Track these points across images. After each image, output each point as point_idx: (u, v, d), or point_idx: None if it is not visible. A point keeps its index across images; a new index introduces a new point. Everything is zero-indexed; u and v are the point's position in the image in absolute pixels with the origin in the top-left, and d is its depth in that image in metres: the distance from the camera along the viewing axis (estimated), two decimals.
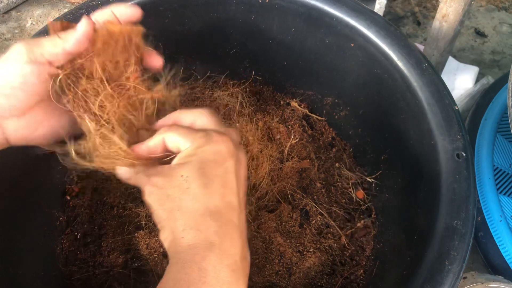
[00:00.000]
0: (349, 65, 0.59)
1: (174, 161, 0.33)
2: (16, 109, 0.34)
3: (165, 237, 0.31)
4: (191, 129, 0.34)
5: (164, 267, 0.54)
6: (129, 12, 0.36)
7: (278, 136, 0.64)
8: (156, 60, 0.38)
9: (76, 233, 0.59)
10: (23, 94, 0.34)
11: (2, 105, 0.33)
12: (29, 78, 0.33)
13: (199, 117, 0.35)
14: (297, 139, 0.63)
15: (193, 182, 0.31)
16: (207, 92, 0.69)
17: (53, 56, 0.34)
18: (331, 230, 0.57)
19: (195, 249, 0.29)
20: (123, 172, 0.35)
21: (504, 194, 0.72)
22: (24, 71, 0.33)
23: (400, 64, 0.51)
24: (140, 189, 0.34)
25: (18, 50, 0.33)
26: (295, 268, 0.54)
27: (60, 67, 0.35)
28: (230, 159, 0.33)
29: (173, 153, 0.35)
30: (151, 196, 0.32)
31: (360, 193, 0.62)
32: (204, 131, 0.34)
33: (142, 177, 0.34)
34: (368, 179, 0.61)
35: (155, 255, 0.55)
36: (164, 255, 0.55)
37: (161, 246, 0.55)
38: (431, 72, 0.49)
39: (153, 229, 0.56)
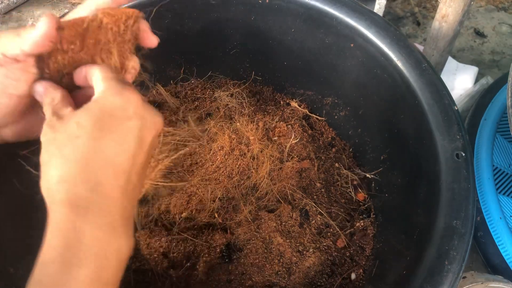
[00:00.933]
0: (349, 65, 0.59)
1: (85, 105, 0.31)
2: (5, 116, 0.32)
3: (42, 184, 0.29)
4: (114, 75, 0.32)
5: (165, 267, 0.54)
6: None
7: (278, 136, 0.64)
8: (151, 40, 0.37)
9: None
10: (7, 100, 0.32)
11: None
12: (5, 81, 0.31)
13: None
14: (297, 139, 0.63)
15: (85, 133, 0.29)
16: (207, 92, 0.69)
17: (14, 57, 0.31)
18: (331, 230, 0.57)
19: (68, 207, 0.28)
20: (38, 86, 0.32)
21: (504, 194, 0.72)
22: None
23: (399, 64, 0.51)
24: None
25: None
26: (294, 268, 0.54)
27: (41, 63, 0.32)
28: (135, 119, 0.30)
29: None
30: (45, 135, 0.30)
31: (360, 194, 0.62)
32: (120, 82, 0.31)
33: (49, 109, 0.31)
34: (368, 176, 0.62)
35: (155, 255, 0.55)
36: (164, 255, 0.55)
37: (161, 246, 0.55)
38: (431, 72, 0.49)
39: (153, 229, 0.56)
